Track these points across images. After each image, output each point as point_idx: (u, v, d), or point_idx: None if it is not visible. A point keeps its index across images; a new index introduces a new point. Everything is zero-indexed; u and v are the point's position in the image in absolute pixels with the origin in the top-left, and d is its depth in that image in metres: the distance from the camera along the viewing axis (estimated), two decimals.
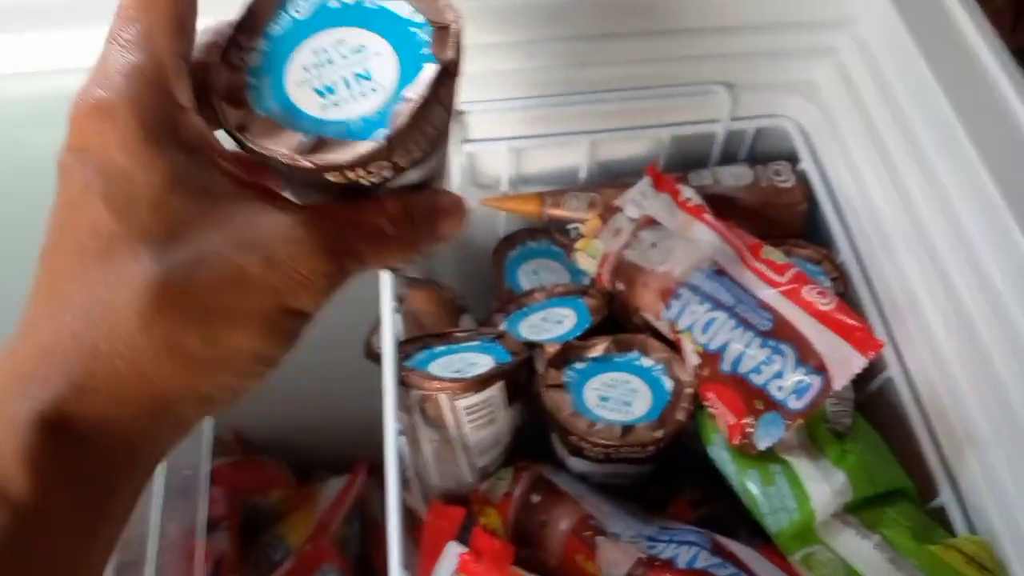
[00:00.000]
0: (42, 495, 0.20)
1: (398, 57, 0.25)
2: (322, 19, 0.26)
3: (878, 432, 0.44)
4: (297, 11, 0.26)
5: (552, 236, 0.59)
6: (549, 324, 0.51)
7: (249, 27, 0.25)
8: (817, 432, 0.42)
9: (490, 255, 0.57)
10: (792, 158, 0.54)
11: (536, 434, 0.49)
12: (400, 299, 0.55)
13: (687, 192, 0.48)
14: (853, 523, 0.39)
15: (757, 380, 0.41)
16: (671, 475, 0.50)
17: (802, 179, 0.53)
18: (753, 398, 0.41)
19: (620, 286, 0.48)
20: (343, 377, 0.65)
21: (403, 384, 0.43)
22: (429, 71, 0.24)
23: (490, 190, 0.57)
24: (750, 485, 0.41)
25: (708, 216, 0.47)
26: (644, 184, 0.50)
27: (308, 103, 0.25)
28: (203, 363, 0.22)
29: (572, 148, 0.55)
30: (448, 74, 0.24)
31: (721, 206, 0.51)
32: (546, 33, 0.50)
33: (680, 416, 0.43)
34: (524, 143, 0.53)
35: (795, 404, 0.40)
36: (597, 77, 0.52)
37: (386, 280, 0.47)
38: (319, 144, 0.23)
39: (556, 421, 0.44)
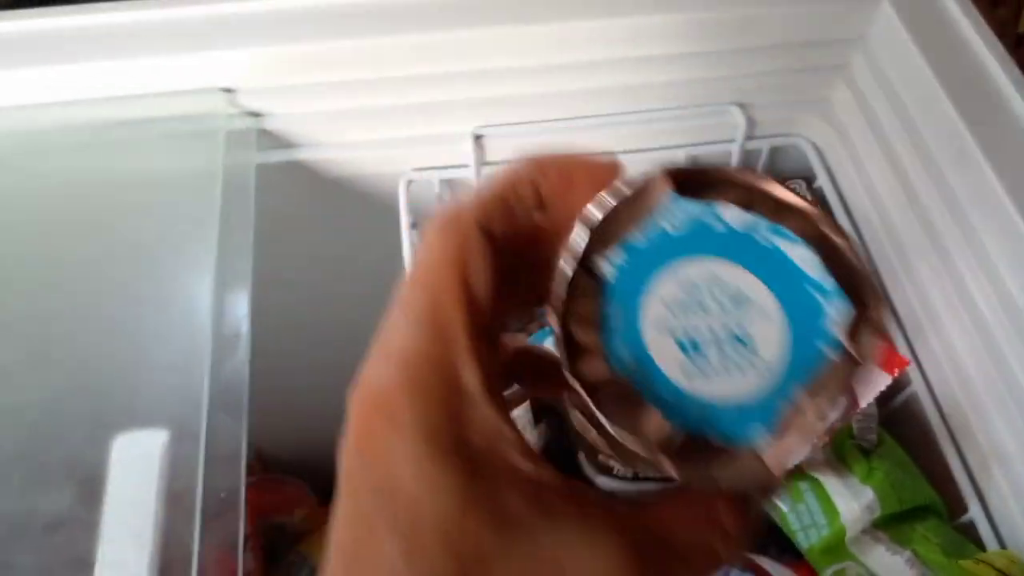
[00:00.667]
0: None
1: (789, 328, 0.18)
2: (698, 242, 0.19)
3: (904, 448, 0.45)
4: (671, 224, 0.19)
5: None
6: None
7: (604, 234, 0.19)
8: (844, 449, 0.43)
9: None
10: (808, 176, 0.55)
11: (563, 454, 0.49)
12: None
13: None
14: (883, 539, 0.40)
15: None
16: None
17: (818, 197, 0.53)
18: None
19: None
20: None
21: None
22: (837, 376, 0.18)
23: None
24: (779, 503, 0.42)
25: None
26: None
27: (667, 359, 0.18)
28: None
29: None
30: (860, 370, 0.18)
31: None
32: (562, 58, 0.51)
33: None
34: None
35: None
36: (613, 99, 0.52)
37: None
38: (690, 443, 0.17)
39: (584, 440, 0.44)
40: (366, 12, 0.51)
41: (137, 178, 0.49)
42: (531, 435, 0.45)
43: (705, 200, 0.20)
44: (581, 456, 0.48)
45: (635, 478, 0.45)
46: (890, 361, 0.40)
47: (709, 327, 0.19)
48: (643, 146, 0.55)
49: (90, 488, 0.38)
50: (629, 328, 0.18)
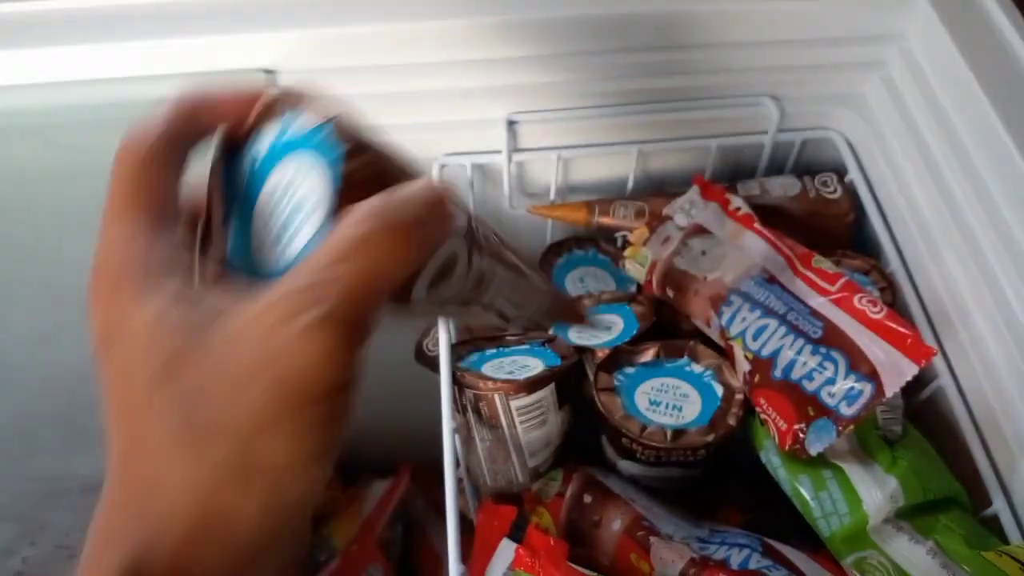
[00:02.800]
0: None
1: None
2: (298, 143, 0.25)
3: (929, 440, 0.45)
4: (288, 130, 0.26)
5: (598, 244, 0.60)
6: (598, 330, 0.52)
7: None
8: (868, 439, 0.43)
9: (537, 263, 0.59)
10: (839, 169, 0.54)
11: (585, 438, 0.50)
12: None
13: (736, 201, 0.49)
14: (906, 529, 0.40)
15: (809, 387, 0.42)
16: (720, 481, 0.50)
17: (850, 190, 0.53)
18: (805, 404, 0.42)
19: (670, 293, 0.49)
20: (388, 380, 0.66)
21: (458, 384, 0.45)
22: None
23: (539, 198, 0.59)
24: (802, 490, 0.42)
25: (758, 225, 0.48)
26: (693, 193, 0.51)
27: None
28: (250, 483, 0.20)
29: (620, 158, 0.56)
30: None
31: (769, 216, 0.52)
32: (596, 45, 0.52)
33: (731, 421, 0.44)
34: (573, 152, 0.54)
35: (846, 410, 0.41)
36: (646, 88, 0.53)
37: None
38: None
39: (609, 423, 0.45)
40: None
41: None
42: (555, 416, 0.46)
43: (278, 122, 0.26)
44: (604, 439, 0.48)
45: (657, 463, 0.45)
46: (916, 350, 0.40)
47: (268, 216, 0.24)
48: (676, 135, 0.55)
49: None
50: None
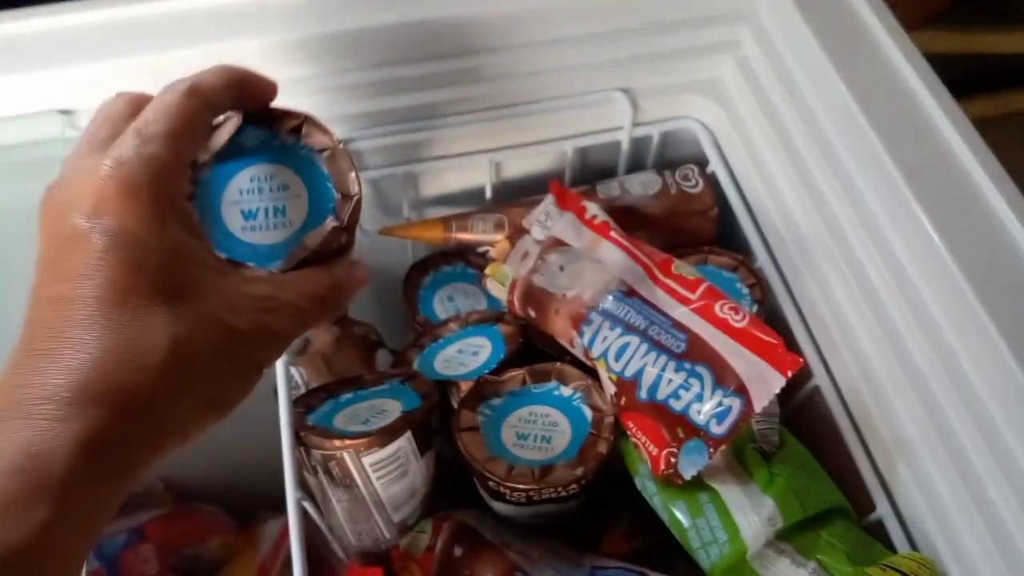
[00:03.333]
0: (82, 500, 0.24)
1: (309, 205, 0.33)
2: (264, 153, 0.33)
3: (809, 445, 0.43)
4: (246, 141, 0.33)
5: (466, 257, 0.56)
6: (465, 356, 0.48)
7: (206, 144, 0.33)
8: (744, 453, 0.40)
9: (401, 286, 0.55)
10: (701, 160, 0.52)
11: (462, 475, 0.46)
12: (306, 341, 0.52)
13: (592, 209, 0.46)
14: (788, 551, 0.38)
15: (676, 406, 0.39)
16: (605, 504, 0.48)
17: (712, 182, 0.51)
18: (674, 425, 0.39)
19: (532, 312, 0.45)
20: (268, 418, 0.62)
21: (304, 445, 0.40)
22: (328, 227, 0.33)
23: (396, 217, 0.54)
24: (680, 517, 0.39)
25: (614, 233, 0.44)
26: (548, 203, 0.47)
27: (232, 221, 0.33)
28: (200, 401, 0.27)
29: (474, 168, 0.52)
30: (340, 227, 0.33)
31: (631, 218, 0.49)
32: (426, 52, 0.47)
33: (601, 449, 0.41)
34: (419, 167, 0.50)
35: (717, 429, 0.38)
36: (490, 93, 0.49)
37: None
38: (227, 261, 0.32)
39: (473, 468, 0.41)
40: (211, 17, 0.46)
41: None
42: (417, 465, 0.42)
43: (269, 128, 0.34)
44: (475, 482, 0.45)
45: (529, 503, 0.42)
46: (782, 360, 0.38)
47: (262, 204, 0.33)
48: (529, 140, 0.51)
49: None
50: (214, 203, 0.33)
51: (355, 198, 0.33)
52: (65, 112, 0.46)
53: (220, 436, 0.74)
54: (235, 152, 0.33)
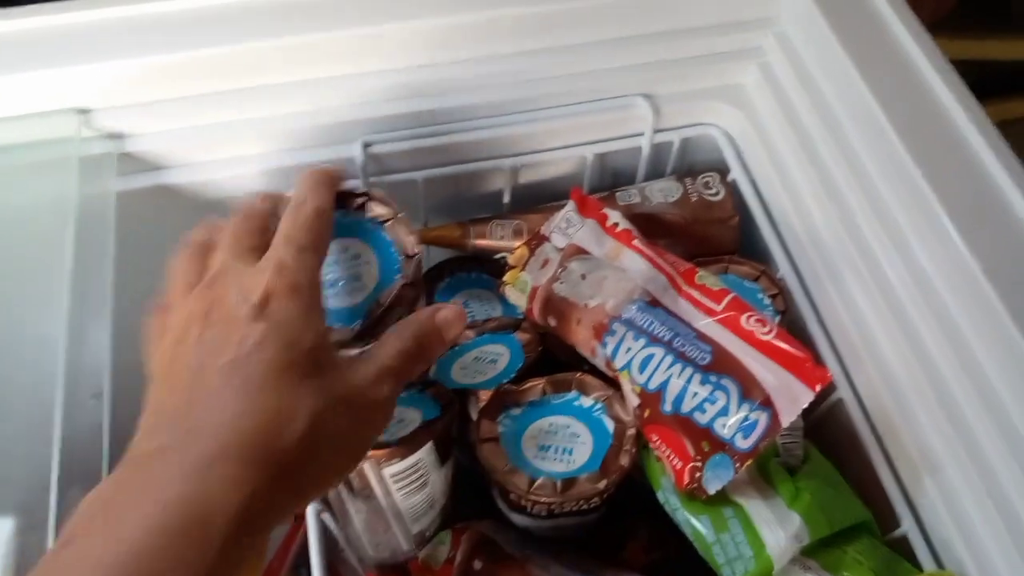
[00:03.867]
0: (236, 554, 0.26)
1: (380, 269, 0.38)
2: (344, 229, 0.38)
3: (832, 458, 0.42)
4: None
5: (482, 263, 0.55)
6: (482, 364, 0.47)
7: None
8: (768, 467, 0.40)
9: None
10: (722, 168, 0.51)
11: (479, 482, 0.46)
12: None
13: (614, 216, 0.45)
14: (813, 568, 0.37)
15: (701, 419, 0.39)
16: (625, 515, 0.47)
17: (733, 190, 0.50)
18: (699, 439, 0.39)
19: (552, 322, 0.45)
20: None
21: None
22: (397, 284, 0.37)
23: (415, 222, 0.54)
24: (703, 532, 0.39)
25: (637, 242, 0.44)
26: (569, 210, 0.47)
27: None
28: (328, 466, 0.30)
29: (494, 174, 0.51)
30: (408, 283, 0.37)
31: (651, 226, 0.48)
32: (448, 56, 0.47)
33: (623, 461, 0.41)
34: (437, 172, 0.50)
35: (743, 443, 0.38)
36: (509, 99, 0.48)
37: None
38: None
39: (493, 480, 0.41)
40: (233, 16, 0.46)
41: None
42: (437, 475, 0.41)
43: (339, 207, 0.38)
44: (495, 493, 0.44)
45: (550, 516, 0.42)
46: (810, 374, 0.37)
47: (340, 273, 0.38)
48: (547, 146, 0.51)
49: None
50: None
51: (416, 257, 0.38)
52: (82, 111, 0.46)
53: None
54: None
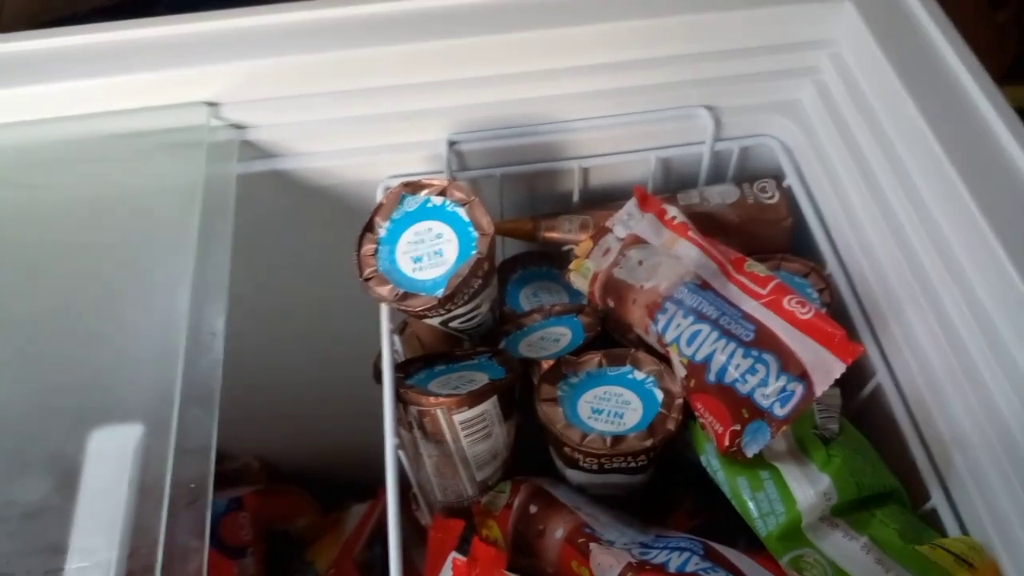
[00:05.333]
0: None
1: (459, 245, 0.45)
2: (422, 213, 0.46)
3: (870, 437, 0.45)
4: (408, 207, 0.47)
5: (551, 259, 0.61)
6: (547, 343, 0.52)
7: (382, 213, 0.47)
8: (805, 438, 0.43)
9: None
10: (777, 175, 0.55)
11: (540, 450, 0.50)
12: (403, 324, 0.57)
13: (672, 211, 0.50)
14: (841, 525, 0.40)
15: (742, 389, 0.43)
16: (670, 487, 0.51)
17: (787, 195, 0.54)
18: (740, 407, 0.42)
19: (611, 303, 0.49)
20: (361, 404, 0.67)
21: (402, 402, 0.45)
22: (474, 258, 0.44)
23: (493, 214, 0.59)
24: (741, 491, 0.42)
25: (692, 233, 0.48)
26: (631, 205, 0.51)
27: (406, 265, 0.45)
28: None
29: (564, 174, 0.57)
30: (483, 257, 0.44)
31: (709, 223, 0.53)
32: (531, 65, 0.53)
33: (670, 426, 0.45)
34: (515, 170, 0.55)
35: (780, 411, 0.41)
36: (584, 105, 0.54)
37: (384, 308, 0.49)
38: (406, 295, 0.44)
39: (550, 433, 0.45)
40: (343, 26, 0.53)
41: (123, 189, 0.51)
42: (500, 429, 0.46)
43: (422, 195, 0.47)
44: (551, 450, 0.49)
45: (600, 470, 0.46)
46: (843, 348, 0.41)
47: (425, 250, 0.45)
48: (615, 149, 0.56)
49: (67, 479, 0.40)
50: (391, 254, 0.46)
51: (490, 235, 0.44)
52: (212, 104, 0.53)
53: (315, 419, 0.80)
54: (402, 216, 0.46)
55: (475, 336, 0.53)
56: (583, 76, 0.54)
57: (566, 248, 0.57)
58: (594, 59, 0.54)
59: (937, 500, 0.42)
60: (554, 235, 0.56)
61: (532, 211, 0.58)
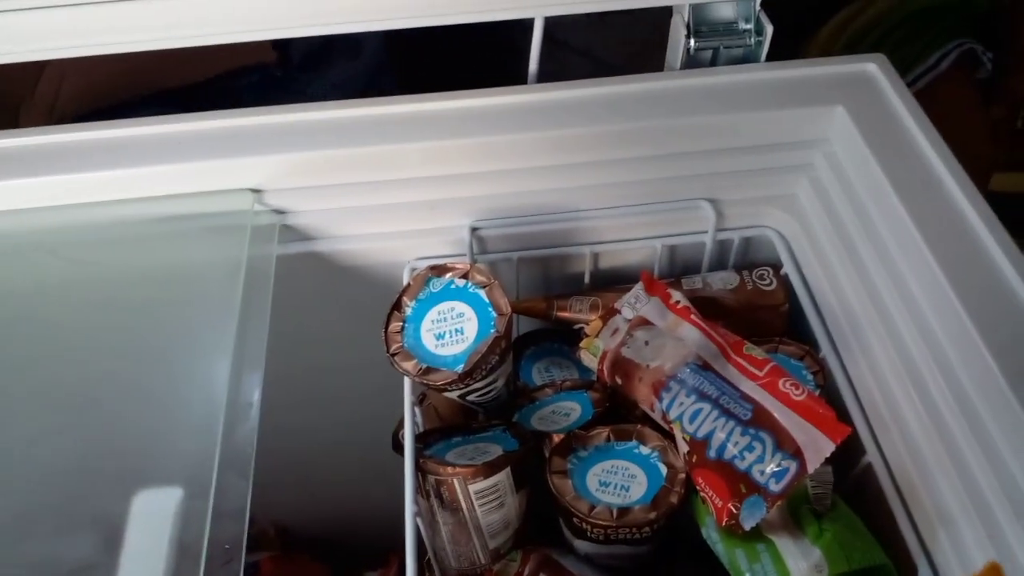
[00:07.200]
0: None
1: (479, 325, 0.49)
2: (446, 294, 0.51)
3: (862, 514, 0.48)
4: (432, 288, 0.51)
5: (563, 337, 0.64)
6: (558, 416, 0.55)
7: (409, 294, 0.51)
8: (799, 512, 0.46)
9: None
10: (775, 264, 0.59)
11: (550, 520, 0.53)
12: (422, 396, 0.60)
13: (676, 295, 0.54)
14: None
15: (741, 465, 0.46)
16: (672, 561, 0.53)
17: (784, 282, 0.58)
18: (738, 482, 0.45)
19: (618, 380, 0.53)
20: (377, 472, 0.70)
21: (421, 471, 0.48)
22: (492, 336, 0.48)
23: (509, 294, 0.64)
24: (739, 562, 0.45)
25: (694, 316, 0.52)
26: (638, 289, 0.55)
27: (430, 341, 0.50)
28: None
29: (576, 258, 0.61)
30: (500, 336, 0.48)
31: (710, 307, 0.56)
32: (548, 160, 0.58)
33: (673, 499, 0.47)
34: (531, 254, 0.60)
35: (775, 487, 0.44)
36: (595, 196, 0.58)
37: (407, 381, 0.53)
38: (429, 369, 0.48)
39: (560, 504, 0.48)
40: (376, 123, 0.58)
41: (171, 266, 0.56)
42: (512, 499, 0.49)
43: (446, 277, 0.51)
44: (561, 521, 0.51)
45: (607, 541, 0.49)
46: (833, 429, 0.44)
47: (447, 327, 0.50)
48: (626, 236, 0.60)
49: (112, 538, 0.43)
50: (416, 331, 0.50)
51: (508, 315, 0.49)
52: (255, 190, 0.58)
53: (332, 485, 0.82)
54: (427, 296, 0.51)
55: (490, 409, 0.56)
56: (594, 170, 0.59)
57: (577, 327, 0.61)
58: (604, 155, 0.59)
59: (923, 575, 0.44)
60: (566, 314, 0.60)
61: (546, 291, 0.62)
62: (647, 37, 0.75)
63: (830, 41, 1.10)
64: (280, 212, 0.59)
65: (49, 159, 0.58)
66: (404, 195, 0.59)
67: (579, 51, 1.13)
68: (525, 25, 0.61)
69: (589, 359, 0.55)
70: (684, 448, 0.48)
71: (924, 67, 1.08)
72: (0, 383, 0.52)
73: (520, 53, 0.62)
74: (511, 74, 0.63)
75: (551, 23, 0.61)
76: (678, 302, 0.54)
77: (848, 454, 0.49)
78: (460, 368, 0.48)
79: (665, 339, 0.52)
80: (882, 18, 1.09)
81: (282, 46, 0.96)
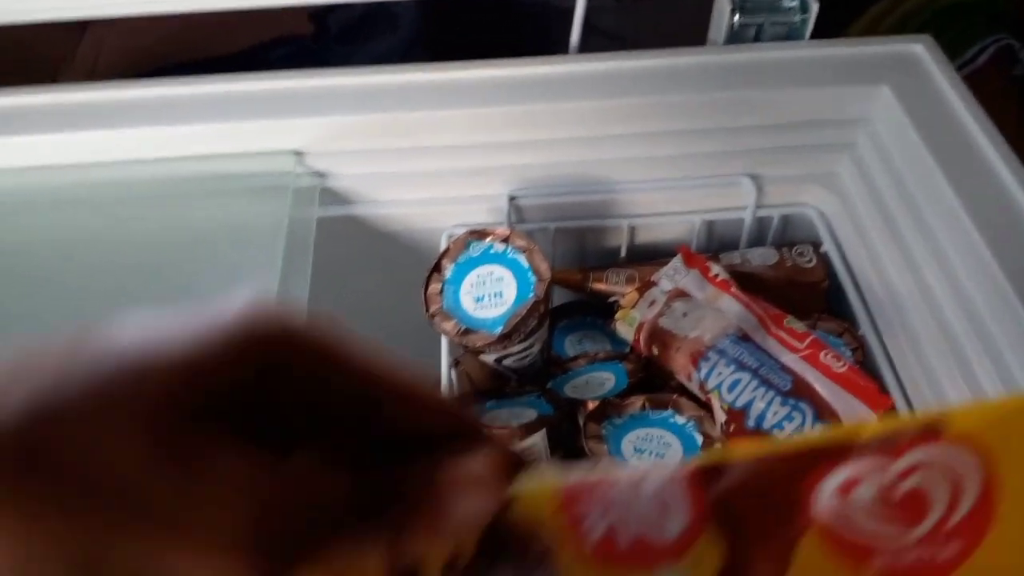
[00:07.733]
0: None
1: (517, 287, 0.50)
2: (484, 258, 0.51)
3: None
4: (473, 252, 0.51)
5: (597, 310, 0.64)
6: (593, 386, 0.56)
7: (449, 256, 0.51)
8: None
9: None
10: (815, 241, 0.59)
11: None
12: (455, 361, 0.61)
13: (715, 268, 0.54)
14: None
15: (780, 435, 0.46)
16: None
17: (824, 260, 0.58)
18: None
19: (655, 350, 0.53)
20: None
21: None
22: (531, 300, 0.48)
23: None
24: None
25: (734, 289, 0.52)
26: (676, 261, 0.55)
27: (469, 303, 0.50)
28: None
29: (614, 231, 0.61)
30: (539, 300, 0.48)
31: (749, 282, 0.56)
32: (592, 131, 0.58)
33: None
34: (568, 224, 0.60)
35: None
36: (636, 168, 0.58)
37: (443, 342, 0.53)
38: (468, 330, 0.49)
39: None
40: (419, 89, 0.58)
41: (213, 224, 0.56)
42: (547, 461, 0.49)
43: (487, 241, 0.51)
44: None
45: None
46: (875, 400, 0.44)
47: (486, 291, 0.50)
48: (664, 210, 0.60)
49: None
50: (455, 294, 0.50)
51: (547, 280, 0.48)
52: (298, 153, 0.58)
53: None
54: (466, 260, 0.51)
55: (524, 375, 0.56)
56: (634, 142, 0.58)
57: (611, 299, 0.61)
58: (646, 127, 0.58)
59: None
60: (601, 286, 0.60)
61: (581, 263, 0.62)
62: (678, 28, 0.74)
63: (868, 32, 1.09)
64: (321, 175, 0.59)
65: (93, 115, 0.59)
66: (444, 162, 0.59)
67: (610, 35, 1.13)
68: (558, 8, 0.61)
69: (625, 330, 0.55)
70: (722, 418, 0.48)
71: (961, 60, 1.07)
72: (40, 338, 0.52)
73: (552, 36, 0.62)
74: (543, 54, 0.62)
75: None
76: (717, 275, 0.54)
77: None
78: (499, 330, 0.48)
79: (704, 311, 0.52)
80: (921, 9, 1.08)
81: (319, 18, 0.96)
